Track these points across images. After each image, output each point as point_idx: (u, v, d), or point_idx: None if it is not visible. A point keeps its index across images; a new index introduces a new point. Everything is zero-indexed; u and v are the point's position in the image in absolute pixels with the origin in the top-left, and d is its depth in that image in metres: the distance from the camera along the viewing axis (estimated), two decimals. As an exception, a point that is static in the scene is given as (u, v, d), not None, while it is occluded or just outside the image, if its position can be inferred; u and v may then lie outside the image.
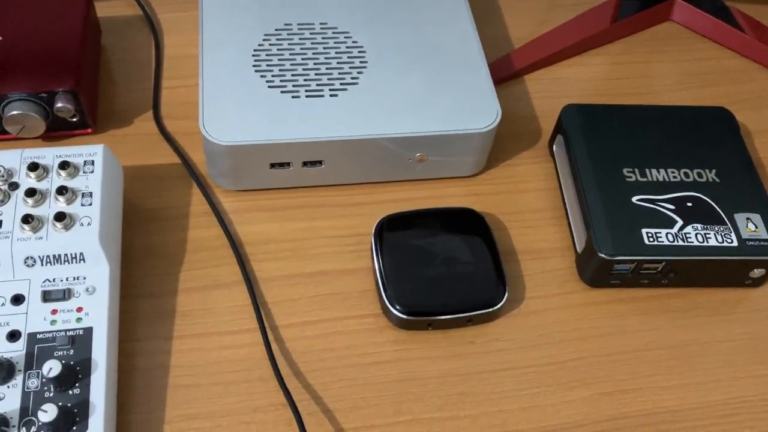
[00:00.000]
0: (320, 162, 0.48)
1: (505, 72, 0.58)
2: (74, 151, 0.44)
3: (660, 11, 0.63)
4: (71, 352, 0.38)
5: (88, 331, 0.39)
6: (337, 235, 0.48)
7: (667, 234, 0.45)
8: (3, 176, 0.42)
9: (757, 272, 0.46)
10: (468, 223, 0.47)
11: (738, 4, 0.64)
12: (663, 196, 0.47)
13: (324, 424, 0.41)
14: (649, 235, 0.45)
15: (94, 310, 0.40)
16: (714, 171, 0.48)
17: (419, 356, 0.44)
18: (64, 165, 0.42)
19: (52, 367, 0.37)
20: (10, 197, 0.42)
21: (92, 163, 0.43)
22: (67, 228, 0.41)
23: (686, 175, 0.48)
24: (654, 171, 0.48)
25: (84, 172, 0.43)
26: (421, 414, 0.42)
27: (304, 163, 0.48)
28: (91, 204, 0.42)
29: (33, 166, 0.42)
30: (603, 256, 0.44)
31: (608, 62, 0.60)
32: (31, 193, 0.41)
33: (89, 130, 0.51)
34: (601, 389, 0.43)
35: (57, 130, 0.50)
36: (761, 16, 0.63)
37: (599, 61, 0.60)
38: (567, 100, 0.57)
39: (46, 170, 0.43)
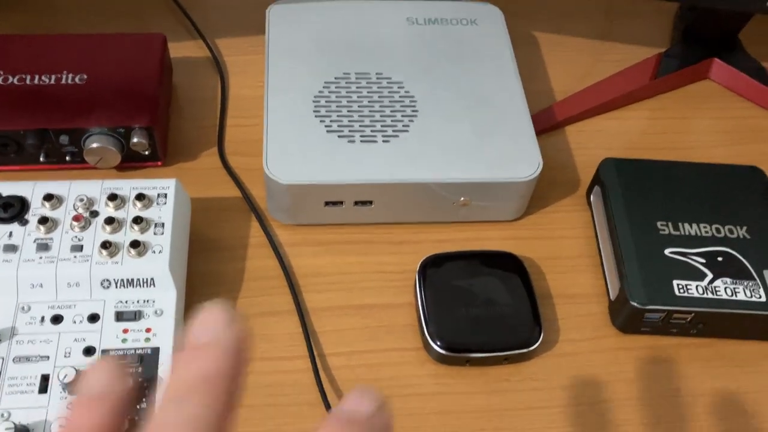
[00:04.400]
0: (370, 202, 0.52)
1: (548, 123, 0.61)
2: (149, 184, 0.48)
3: (698, 70, 0.66)
4: (140, 369, 0.42)
5: (156, 350, 0.43)
6: (383, 271, 0.52)
7: (697, 286, 0.47)
8: (85, 204, 0.46)
9: (784, 327, 0.48)
10: (507, 266, 0.50)
11: (775, 65, 0.67)
12: (694, 250, 0.49)
13: (365, 449, 0.44)
14: (680, 286, 0.47)
15: (162, 331, 0.44)
16: (745, 228, 0.51)
17: (457, 391, 0.47)
18: (140, 197, 0.47)
19: (125, 382, 0.40)
20: (90, 224, 0.46)
21: (165, 195, 0.47)
22: (140, 255, 0.45)
23: (717, 230, 0.50)
24: (686, 225, 0.51)
25: (157, 204, 0.47)
26: (457, 445, 0.44)
27: (356, 203, 0.52)
28: (162, 233, 0.46)
29: (112, 197, 0.46)
30: (635, 304, 0.47)
31: (646, 117, 0.63)
32: (109, 221, 0.45)
33: (159, 163, 0.55)
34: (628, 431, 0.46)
35: (130, 161, 0.54)
36: (797, 78, 0.65)
37: (638, 115, 0.63)
38: (605, 151, 0.59)
39: (123, 200, 0.47)
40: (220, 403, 0.20)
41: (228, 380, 0.20)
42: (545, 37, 0.69)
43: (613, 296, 0.50)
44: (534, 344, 0.47)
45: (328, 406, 0.44)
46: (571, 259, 0.53)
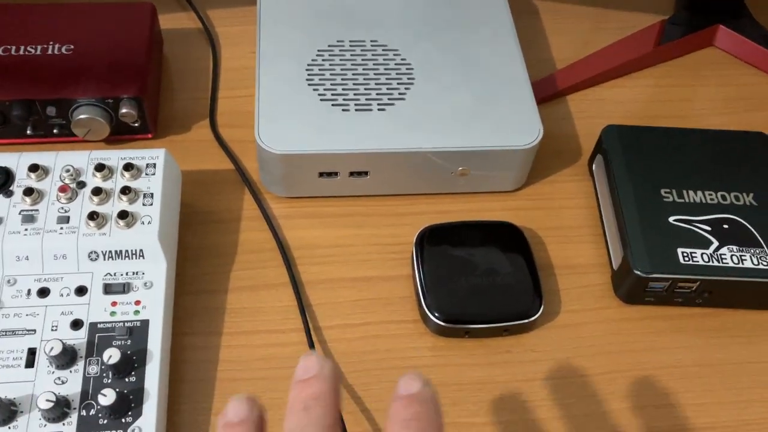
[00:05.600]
0: (366, 173, 0.50)
1: (549, 91, 0.59)
2: (138, 154, 0.46)
3: (703, 37, 0.64)
4: (129, 342, 0.41)
5: (145, 323, 0.42)
6: (380, 243, 0.50)
7: (702, 254, 0.46)
8: (72, 175, 0.45)
9: (792, 295, 0.47)
10: (507, 237, 0.49)
11: (782, 31, 0.65)
12: (700, 217, 0.48)
13: (362, 423, 0.43)
14: (685, 254, 0.46)
15: (151, 303, 0.42)
16: (752, 195, 0.49)
17: (456, 363, 0.45)
18: (128, 167, 0.45)
19: (112, 355, 0.39)
20: (77, 195, 0.44)
21: (154, 165, 0.46)
22: (128, 226, 0.43)
23: (723, 197, 0.49)
24: (691, 192, 0.49)
25: (146, 174, 0.46)
26: (457, 418, 0.43)
27: (351, 174, 0.50)
28: (151, 204, 0.44)
29: (99, 167, 0.45)
30: (639, 273, 0.45)
31: (650, 85, 0.62)
32: (96, 191, 0.44)
33: (150, 135, 0.54)
34: (633, 403, 0.44)
35: (120, 134, 0.53)
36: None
37: (641, 83, 0.62)
38: (608, 120, 0.58)
39: (111, 171, 0.45)
40: (332, 414, 0.27)
41: (334, 397, 0.28)
42: (544, 4, 0.67)
43: (615, 265, 0.48)
44: (534, 315, 0.46)
45: (323, 379, 0.43)
46: (572, 229, 0.52)
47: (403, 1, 0.58)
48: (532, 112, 0.51)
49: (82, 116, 0.50)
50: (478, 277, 0.47)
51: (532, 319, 0.46)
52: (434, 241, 0.48)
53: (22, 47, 0.52)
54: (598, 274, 0.50)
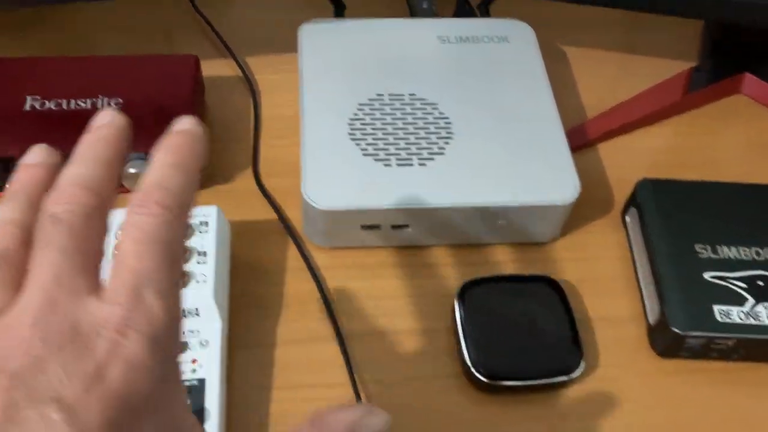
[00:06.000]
0: (407, 226, 0.52)
1: (580, 141, 0.61)
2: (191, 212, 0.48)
3: (730, 84, 0.65)
4: (187, 401, 0.42)
5: (201, 382, 0.43)
6: (421, 294, 0.52)
7: (738, 312, 0.47)
8: (127, 233, 0.46)
9: (825, 352, 0.48)
10: (546, 290, 0.50)
11: (808, 80, 0.66)
12: (735, 274, 0.49)
13: (409, 478, 0.44)
14: (721, 312, 0.47)
15: (207, 362, 0.44)
16: (785, 250, 0.51)
17: (498, 418, 0.47)
18: (181, 225, 0.47)
19: (174, 416, 0.41)
20: (133, 253, 0.46)
21: (206, 223, 0.47)
22: (184, 285, 0.45)
23: (757, 253, 0.50)
24: (726, 248, 0.50)
25: (200, 232, 0.47)
26: (500, 473, 0.45)
27: (393, 227, 0.52)
28: (206, 263, 0.46)
29: (154, 225, 0.46)
30: (676, 330, 0.47)
31: (679, 133, 0.63)
32: (152, 250, 0.45)
33: (195, 186, 0.55)
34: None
35: (166, 185, 0.54)
36: (830, 92, 0.65)
37: (670, 131, 0.63)
38: (638, 169, 0.59)
39: (164, 229, 0.47)
40: (114, 150, 0.29)
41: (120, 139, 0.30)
42: (571, 50, 0.69)
43: (652, 320, 0.50)
44: (575, 372, 0.47)
45: (371, 435, 0.44)
46: (607, 281, 0.53)
47: (440, 54, 0.59)
48: (569, 166, 0.53)
49: (131, 170, 0.52)
50: (519, 332, 0.48)
51: (575, 375, 0.47)
52: (475, 295, 0.50)
53: (73, 101, 0.54)
54: (634, 327, 0.51)
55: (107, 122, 0.30)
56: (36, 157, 0.29)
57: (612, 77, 0.67)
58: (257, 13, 0.69)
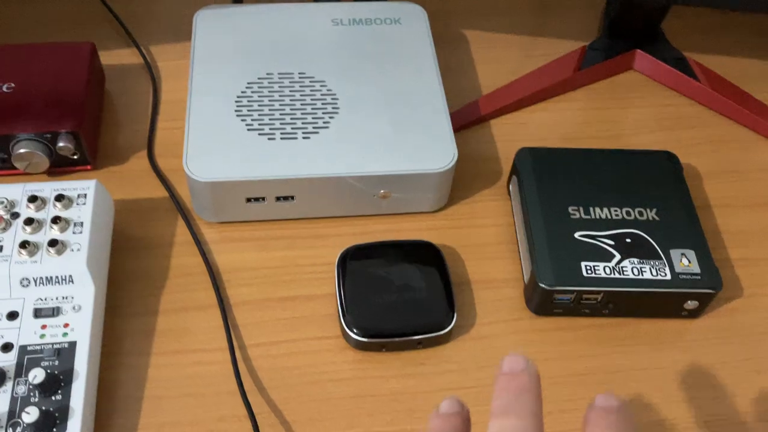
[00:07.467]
0: (291, 197, 0.53)
1: (472, 117, 0.62)
2: (70, 186, 0.49)
3: (622, 61, 0.67)
4: (56, 362, 0.43)
5: (72, 344, 0.44)
6: (305, 264, 0.53)
7: (604, 267, 0.49)
8: (6, 207, 0.48)
9: (690, 304, 0.50)
10: (424, 255, 0.52)
11: (694, 55, 0.68)
12: (604, 233, 0.51)
13: (282, 435, 0.45)
14: (588, 268, 0.49)
15: (79, 326, 0.45)
16: (654, 210, 0.52)
17: (373, 375, 0.48)
18: (59, 197, 0.48)
19: (37, 375, 0.42)
20: (11, 225, 0.47)
21: (85, 196, 0.49)
22: (59, 253, 0.46)
23: (628, 213, 0.52)
24: (597, 209, 0.52)
25: (77, 204, 0.48)
26: (372, 427, 0.46)
27: (278, 198, 0.53)
28: (81, 232, 0.47)
29: (32, 198, 0.48)
30: (544, 286, 0.48)
31: (572, 108, 0.65)
32: (29, 221, 0.47)
33: (89, 167, 0.57)
34: (543, 409, 0.47)
35: (60, 166, 0.56)
36: (716, 66, 0.67)
37: (563, 107, 0.65)
38: (530, 143, 0.61)
39: (44, 202, 0.48)
40: (537, 404, 0.30)
41: (538, 391, 0.31)
42: (476, 35, 0.71)
43: (526, 280, 0.51)
44: (447, 327, 0.48)
45: (244, 394, 0.45)
46: (490, 246, 0.55)
47: (333, 35, 0.61)
48: (448, 137, 0.54)
49: (21, 150, 0.53)
50: (394, 293, 0.49)
51: (445, 331, 0.48)
52: (355, 260, 0.51)
53: (-35, 86, 0.55)
54: (513, 289, 0.52)
55: (524, 369, 0.31)
56: (452, 407, 0.32)
57: (514, 60, 0.69)
58: (166, 4, 0.71)
